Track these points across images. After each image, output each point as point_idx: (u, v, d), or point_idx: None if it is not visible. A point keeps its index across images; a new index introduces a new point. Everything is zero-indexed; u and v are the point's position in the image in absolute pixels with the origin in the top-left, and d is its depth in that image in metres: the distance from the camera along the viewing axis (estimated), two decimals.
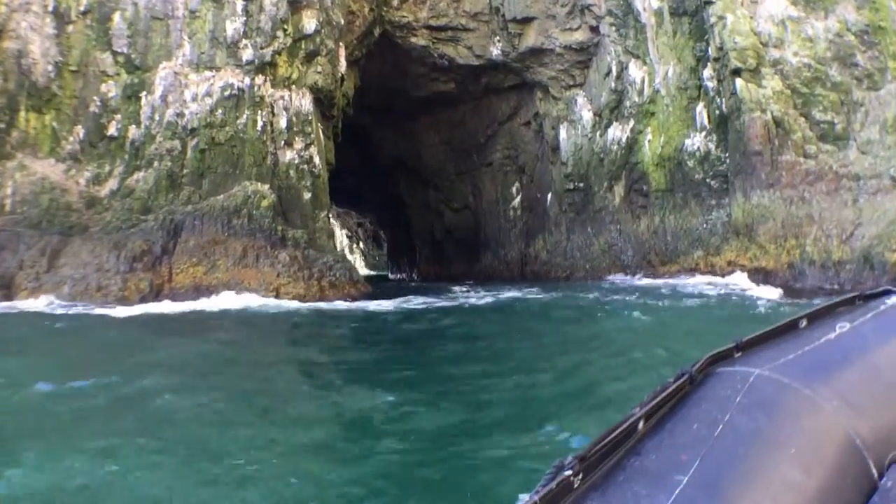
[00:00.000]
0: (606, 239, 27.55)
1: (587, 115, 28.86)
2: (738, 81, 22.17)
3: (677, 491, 0.99)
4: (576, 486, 1.02)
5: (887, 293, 1.51)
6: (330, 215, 25.24)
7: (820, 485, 1.07)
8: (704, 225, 23.39)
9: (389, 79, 33.81)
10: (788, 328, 1.39)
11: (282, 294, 19.98)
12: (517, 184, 34.79)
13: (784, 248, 19.22)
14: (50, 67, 22.23)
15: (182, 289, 20.15)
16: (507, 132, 35.13)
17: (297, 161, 23.93)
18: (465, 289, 25.08)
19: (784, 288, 17.82)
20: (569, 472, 1.01)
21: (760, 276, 19.21)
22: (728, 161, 23.00)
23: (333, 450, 5.90)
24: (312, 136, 24.62)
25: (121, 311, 16.50)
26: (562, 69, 29.55)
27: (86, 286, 19.17)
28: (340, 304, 19.59)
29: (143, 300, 19.12)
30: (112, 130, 22.77)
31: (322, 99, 25.69)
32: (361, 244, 75.46)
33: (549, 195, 31.46)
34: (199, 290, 20.08)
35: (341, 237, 75.72)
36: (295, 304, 18.94)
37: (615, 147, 27.27)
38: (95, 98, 22.75)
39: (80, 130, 22.49)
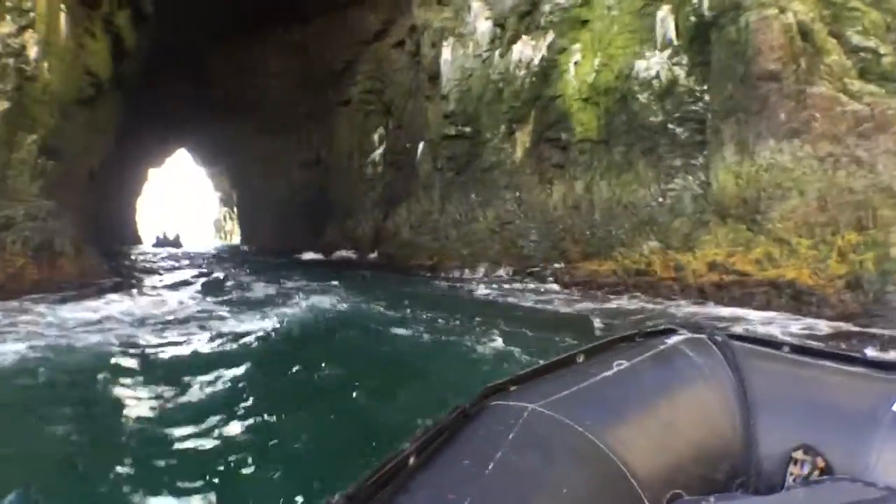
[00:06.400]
0: (498, 213, 17.94)
1: (484, 26, 19.06)
2: None
3: None
4: None
5: (669, 332, 1.45)
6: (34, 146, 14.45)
7: None
8: (661, 199, 14.04)
9: None
10: (565, 363, 1.33)
11: None
12: (381, 129, 24.67)
13: (833, 248, 10.00)
14: None
15: None
16: (373, 57, 24.96)
17: None
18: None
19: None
20: None
21: (785, 297, 9.97)
22: (708, 95, 13.71)
23: None
24: (33, 15, 14.29)
25: None
26: None
27: None
28: None
29: None
30: None
31: None
32: (237, 210, 61.71)
33: (421, 145, 21.57)
34: None
35: (216, 203, 62.76)
36: None
37: (522, 73, 17.61)
38: None
39: None
